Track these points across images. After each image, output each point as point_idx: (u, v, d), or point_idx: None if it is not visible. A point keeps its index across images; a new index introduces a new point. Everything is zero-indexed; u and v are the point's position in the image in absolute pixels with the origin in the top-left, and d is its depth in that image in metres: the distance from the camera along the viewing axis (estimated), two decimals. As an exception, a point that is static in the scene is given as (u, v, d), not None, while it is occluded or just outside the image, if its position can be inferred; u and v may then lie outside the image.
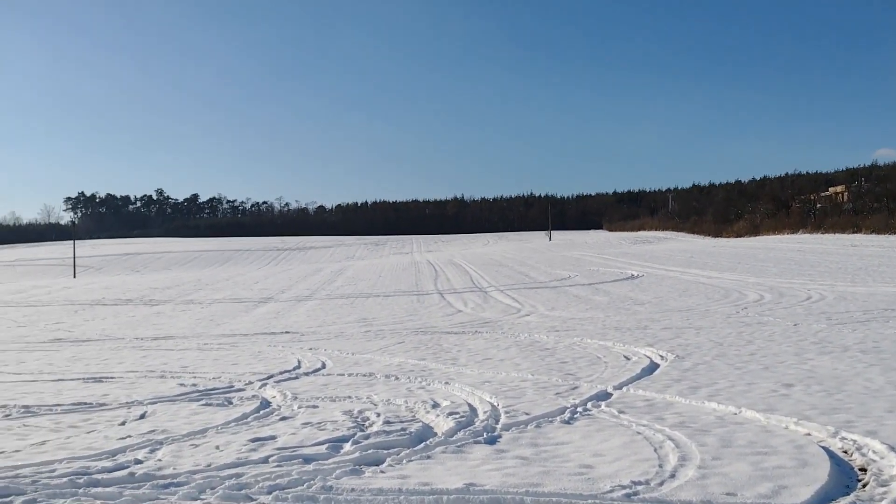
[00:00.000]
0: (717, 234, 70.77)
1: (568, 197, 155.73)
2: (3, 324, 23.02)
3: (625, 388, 9.34)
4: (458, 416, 7.98)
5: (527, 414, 8.01)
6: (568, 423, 7.63)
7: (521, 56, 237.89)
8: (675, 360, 11.44)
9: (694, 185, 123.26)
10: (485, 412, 8.20)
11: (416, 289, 32.01)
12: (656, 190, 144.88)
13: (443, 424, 7.66)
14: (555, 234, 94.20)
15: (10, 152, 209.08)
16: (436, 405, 8.68)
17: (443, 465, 6.13)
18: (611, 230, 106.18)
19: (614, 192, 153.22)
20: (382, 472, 5.97)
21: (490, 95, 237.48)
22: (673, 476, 5.61)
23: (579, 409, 8.22)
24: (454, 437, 7.08)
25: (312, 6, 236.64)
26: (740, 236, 65.20)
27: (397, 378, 10.95)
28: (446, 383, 10.27)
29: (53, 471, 6.25)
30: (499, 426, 7.54)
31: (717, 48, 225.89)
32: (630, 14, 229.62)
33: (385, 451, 6.55)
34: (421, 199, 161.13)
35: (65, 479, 5.95)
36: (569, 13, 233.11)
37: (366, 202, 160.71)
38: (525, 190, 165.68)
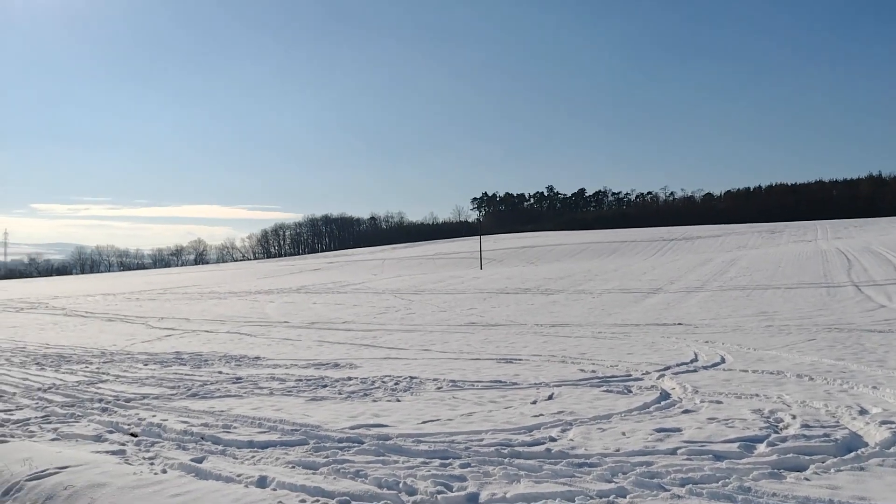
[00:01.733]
0: None
1: None
2: (429, 308, 26.84)
3: None
4: (894, 426, 6.87)
5: None
6: None
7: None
8: None
9: None
10: (932, 425, 6.92)
11: (825, 280, 28.58)
12: None
13: (875, 434, 6.68)
14: None
15: (428, 163, 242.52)
16: (863, 412, 7.62)
17: (881, 480, 5.34)
18: None
19: None
20: (807, 479, 5.44)
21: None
22: None
23: None
24: (892, 450, 6.12)
25: None
26: None
27: (811, 378, 9.89)
28: (874, 388, 8.95)
29: (481, 440, 7.05)
30: (954, 443, 6.30)
31: None
32: None
33: (807, 457, 5.96)
34: (826, 180, 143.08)
35: (491, 449, 6.66)
36: None
37: (759, 186, 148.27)
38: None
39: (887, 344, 12.81)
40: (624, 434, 7.10)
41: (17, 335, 21.24)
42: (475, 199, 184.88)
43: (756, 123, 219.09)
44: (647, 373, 10.94)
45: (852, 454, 6.04)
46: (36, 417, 9.15)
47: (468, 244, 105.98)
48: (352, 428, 7.81)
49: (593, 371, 11.35)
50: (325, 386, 10.78)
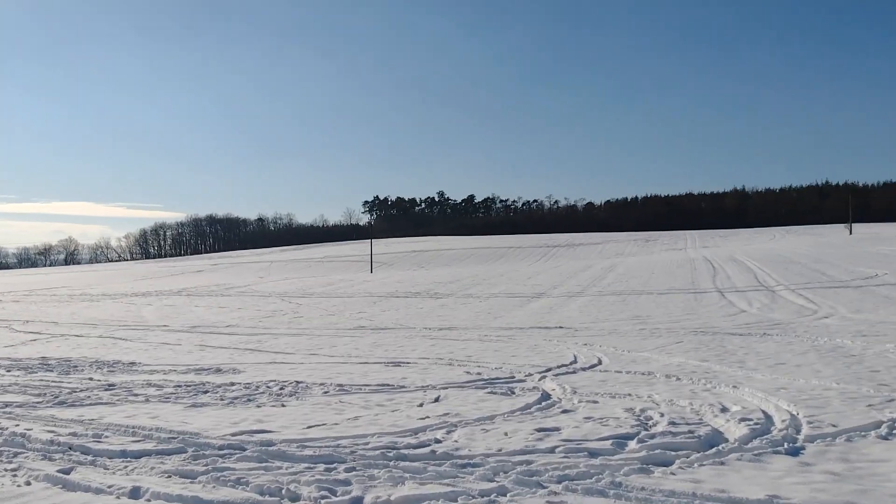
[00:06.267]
0: None
1: (873, 185, 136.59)
2: (317, 312, 26.46)
3: (960, 406, 7.98)
4: (751, 422, 7.46)
5: (834, 426, 7.23)
6: (886, 438, 6.75)
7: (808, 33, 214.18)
8: None
9: None
10: (783, 421, 7.56)
11: (693, 287, 30.45)
12: None
13: (734, 430, 7.22)
14: (857, 227, 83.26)
15: (318, 165, 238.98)
16: (724, 409, 8.20)
17: (739, 474, 5.78)
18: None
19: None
20: (672, 473, 5.81)
21: (768, 76, 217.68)
22: None
23: (900, 424, 7.21)
24: (749, 445, 6.63)
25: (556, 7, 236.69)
26: None
27: (678, 378, 10.54)
28: (734, 387, 9.65)
29: (367, 444, 7.06)
30: (801, 437, 6.91)
31: None
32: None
33: (673, 453, 6.36)
34: (696, 192, 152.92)
35: (377, 452, 6.68)
36: None
37: (636, 197, 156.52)
38: (819, 178, 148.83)
39: (747, 346, 13.81)
40: (506, 434, 7.31)
41: None
42: (367, 202, 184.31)
43: (635, 136, 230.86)
44: (530, 374, 11.28)
45: (714, 449, 6.50)
46: None
47: (359, 247, 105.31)
48: (233, 435, 7.61)
49: (479, 373, 11.58)
50: (206, 392, 10.43)
